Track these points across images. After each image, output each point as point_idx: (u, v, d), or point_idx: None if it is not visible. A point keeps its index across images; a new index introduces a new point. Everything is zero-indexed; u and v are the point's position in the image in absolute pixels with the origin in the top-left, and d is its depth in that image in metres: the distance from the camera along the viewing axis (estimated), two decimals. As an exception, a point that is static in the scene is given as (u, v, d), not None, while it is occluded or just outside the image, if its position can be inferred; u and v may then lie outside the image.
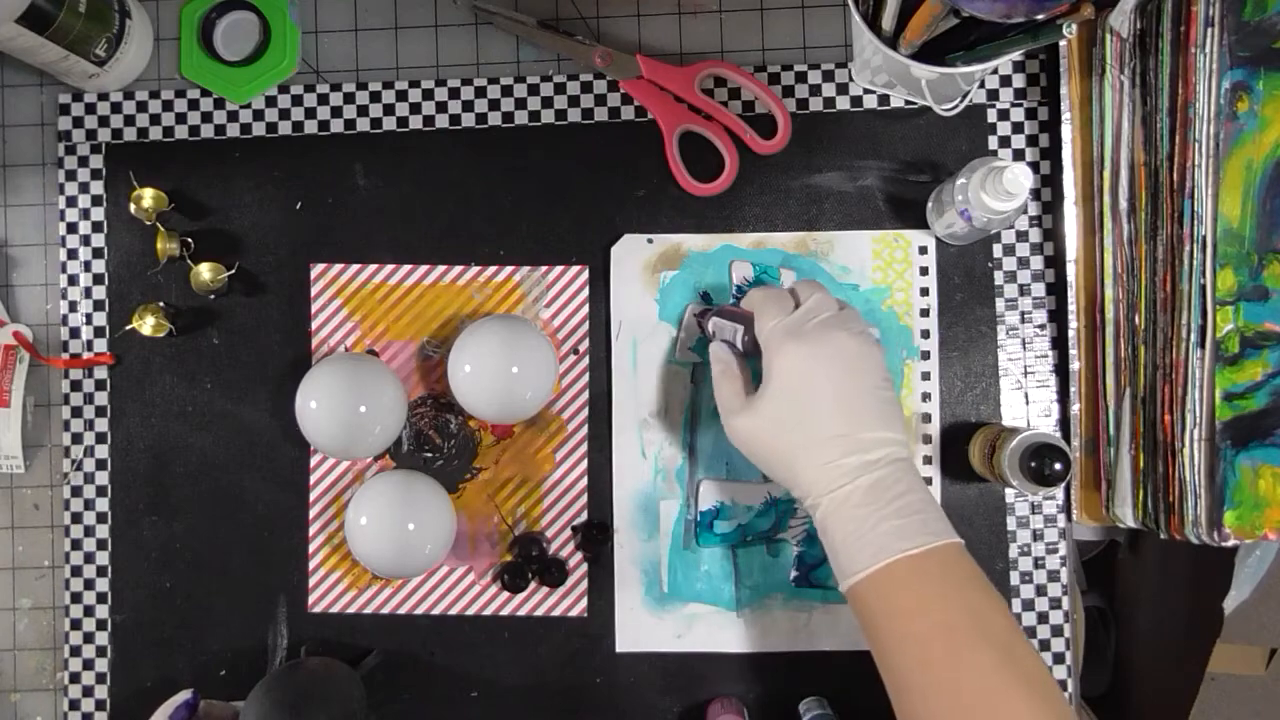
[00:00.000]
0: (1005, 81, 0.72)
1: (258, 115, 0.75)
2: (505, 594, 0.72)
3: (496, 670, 0.72)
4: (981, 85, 0.72)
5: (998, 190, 0.61)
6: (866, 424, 0.59)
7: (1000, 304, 0.72)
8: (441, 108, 0.74)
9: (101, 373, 0.74)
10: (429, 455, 0.73)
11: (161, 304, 0.73)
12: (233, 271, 0.73)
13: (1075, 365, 0.70)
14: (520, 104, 0.74)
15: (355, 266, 0.74)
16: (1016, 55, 0.64)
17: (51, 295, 0.75)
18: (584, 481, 0.72)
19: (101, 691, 0.73)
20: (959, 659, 0.55)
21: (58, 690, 0.74)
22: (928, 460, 0.71)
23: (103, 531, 0.74)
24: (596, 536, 0.72)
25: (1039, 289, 0.72)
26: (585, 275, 0.73)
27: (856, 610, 0.59)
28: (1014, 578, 0.71)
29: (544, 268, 0.73)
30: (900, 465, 0.59)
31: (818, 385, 0.60)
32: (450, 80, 0.74)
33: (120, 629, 0.73)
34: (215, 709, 0.65)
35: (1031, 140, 0.72)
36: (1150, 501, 0.67)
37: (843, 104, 0.73)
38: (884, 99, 0.73)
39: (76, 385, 0.75)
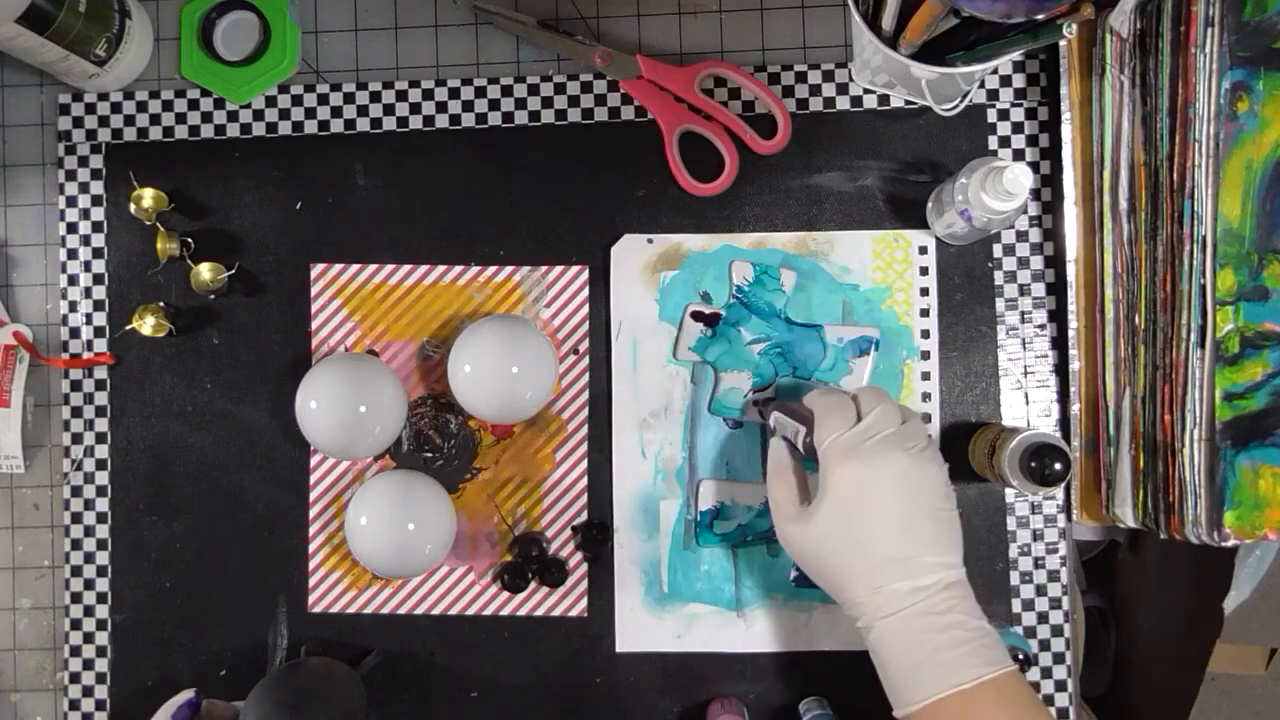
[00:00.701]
0: (1005, 81, 0.72)
1: (258, 115, 0.75)
2: (505, 594, 0.72)
3: (496, 670, 0.72)
4: (981, 85, 0.72)
5: (998, 190, 0.61)
6: (920, 549, 0.58)
7: (1000, 304, 0.72)
8: (441, 108, 0.74)
9: (101, 373, 0.74)
10: (429, 455, 0.73)
11: (161, 304, 0.73)
12: (233, 271, 0.73)
13: (1075, 365, 0.70)
14: (520, 104, 0.74)
15: (355, 266, 0.74)
16: (1016, 55, 0.64)
17: (51, 295, 0.75)
18: (584, 481, 0.72)
19: (101, 691, 0.73)
20: None
21: (58, 690, 0.74)
22: (928, 460, 0.71)
23: (103, 531, 0.74)
24: (596, 536, 0.72)
25: (1039, 289, 0.72)
26: (585, 275, 0.73)
27: None
28: (1014, 578, 0.71)
29: (544, 268, 0.73)
30: (954, 590, 0.58)
31: (872, 507, 0.59)
32: (450, 80, 0.74)
33: (120, 629, 0.73)
34: (217, 708, 0.65)
35: (1031, 140, 0.72)
36: (1150, 501, 0.67)
37: (843, 104, 0.73)
38: (884, 99, 0.73)
39: (76, 385, 0.75)
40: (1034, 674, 0.71)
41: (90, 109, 0.75)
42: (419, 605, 0.73)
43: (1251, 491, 0.64)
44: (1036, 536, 0.71)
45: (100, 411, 0.74)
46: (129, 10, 0.72)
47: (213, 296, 0.74)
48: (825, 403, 0.63)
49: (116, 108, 0.75)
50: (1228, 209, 0.63)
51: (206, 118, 0.75)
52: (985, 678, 0.56)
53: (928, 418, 0.71)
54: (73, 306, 0.75)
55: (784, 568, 0.71)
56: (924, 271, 0.72)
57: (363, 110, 0.74)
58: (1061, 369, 0.71)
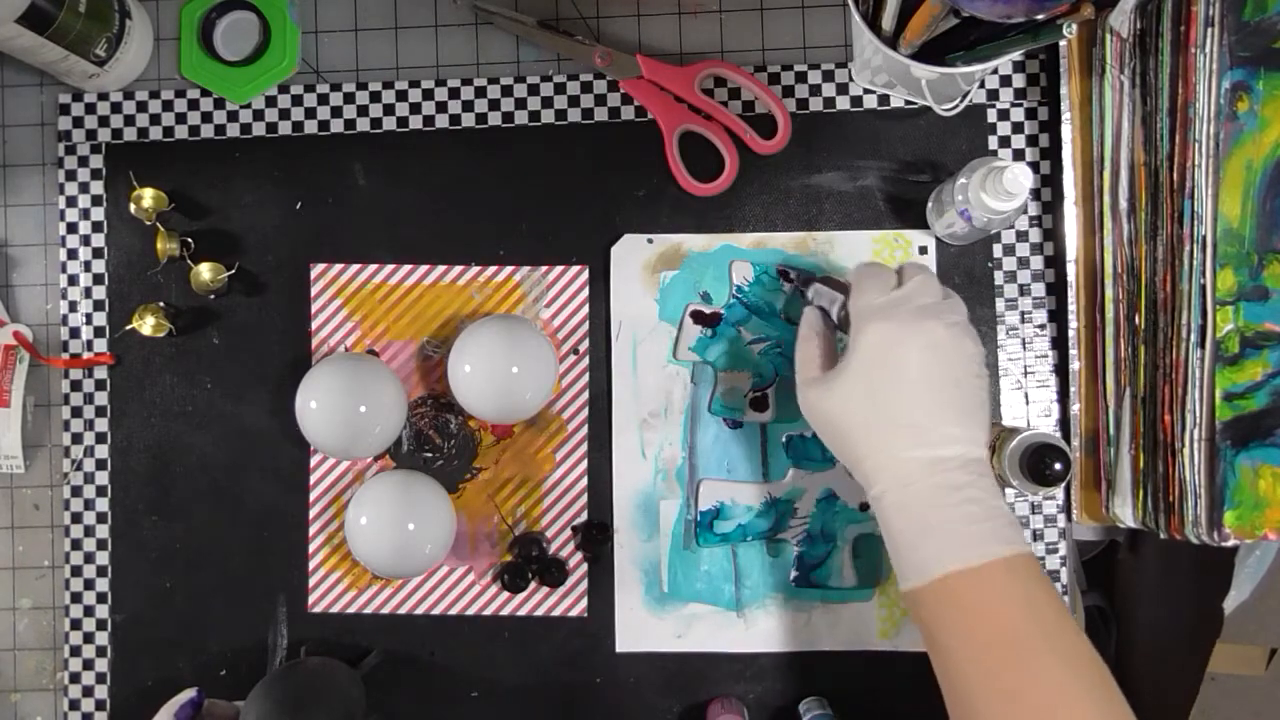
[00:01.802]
0: (1005, 81, 0.72)
1: (258, 115, 0.75)
2: (505, 594, 0.72)
3: (496, 670, 0.72)
4: (981, 85, 0.72)
5: (998, 190, 0.61)
6: (943, 418, 0.56)
7: (1000, 304, 0.72)
8: (441, 108, 0.74)
9: (101, 373, 0.74)
10: (429, 455, 0.73)
11: (161, 304, 0.73)
12: (233, 271, 0.73)
13: (1075, 365, 0.70)
14: (520, 104, 0.74)
15: (355, 266, 0.74)
16: (1016, 55, 0.64)
17: (51, 295, 0.75)
18: (584, 481, 0.72)
19: (101, 691, 0.73)
20: (1024, 669, 0.53)
21: (58, 690, 0.74)
22: (928, 460, 0.71)
23: (103, 531, 0.74)
24: (596, 536, 0.72)
25: (1039, 289, 0.72)
26: (585, 275, 0.73)
27: (914, 613, 0.57)
28: (1014, 578, 0.71)
29: (544, 268, 0.73)
30: (974, 467, 0.56)
31: (898, 370, 0.57)
32: (450, 80, 0.74)
33: (120, 629, 0.73)
34: (219, 708, 0.66)
35: (1031, 140, 0.72)
36: (1150, 501, 0.67)
37: (843, 104, 0.73)
38: (884, 99, 0.73)
39: (76, 385, 0.75)
40: (1034, 674, 0.71)
41: (90, 109, 0.75)
42: (419, 605, 0.73)
43: (1251, 491, 0.63)
44: (1036, 536, 0.71)
45: (100, 411, 0.74)
46: (129, 10, 0.72)
47: (213, 296, 0.74)
48: (867, 269, 0.62)
49: (116, 108, 0.75)
50: (1228, 209, 0.63)
51: (206, 118, 0.75)
52: (998, 556, 0.54)
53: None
54: (73, 306, 0.75)
55: (784, 568, 0.71)
56: (924, 271, 0.72)
57: (363, 110, 0.74)
58: (1061, 369, 0.71)
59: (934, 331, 0.57)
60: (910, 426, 0.57)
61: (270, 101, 0.75)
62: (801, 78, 0.73)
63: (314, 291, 0.74)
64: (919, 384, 0.57)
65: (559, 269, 0.73)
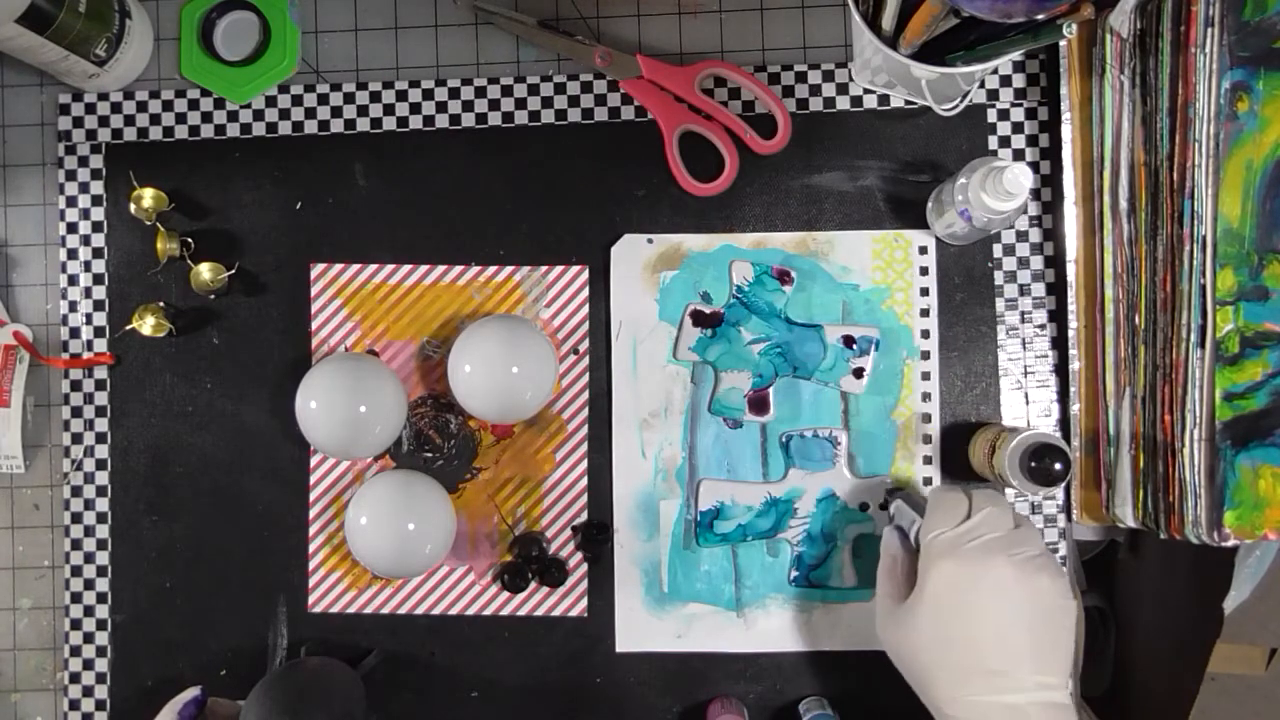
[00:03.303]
0: (1005, 81, 0.72)
1: (258, 115, 0.75)
2: (505, 594, 0.72)
3: (496, 670, 0.72)
4: (981, 85, 0.72)
5: (998, 190, 0.61)
6: (1017, 663, 0.55)
7: (1000, 304, 0.72)
8: (441, 108, 0.74)
9: (101, 373, 0.74)
10: (429, 455, 0.73)
11: (161, 304, 0.73)
12: (233, 271, 0.73)
13: (1075, 365, 0.70)
14: (520, 104, 0.74)
15: (355, 266, 0.74)
16: (1016, 55, 0.64)
17: (51, 295, 0.75)
18: (584, 481, 0.72)
19: (101, 691, 0.73)
20: None
21: (58, 690, 0.74)
22: (928, 460, 0.71)
23: (103, 531, 0.74)
24: (596, 536, 0.72)
25: (1039, 289, 0.72)
26: (585, 275, 0.73)
27: None
28: (1014, 578, 0.71)
29: (544, 268, 0.73)
30: (1052, 712, 0.55)
31: (967, 613, 0.56)
32: (450, 80, 0.74)
33: (120, 629, 0.73)
34: (222, 706, 0.66)
35: (1031, 140, 0.72)
36: (1150, 501, 0.67)
37: (843, 104, 0.73)
38: (884, 99, 0.73)
39: (76, 385, 0.75)
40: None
41: (90, 109, 0.75)
42: (419, 605, 0.73)
43: (1251, 491, 0.63)
44: (1036, 536, 0.71)
45: (100, 411, 0.74)
46: (129, 10, 0.72)
47: (213, 296, 0.74)
48: (938, 497, 0.61)
49: (116, 108, 0.75)
50: (1228, 209, 0.63)
51: (206, 118, 0.75)
52: None
53: (928, 418, 0.71)
54: (73, 306, 0.75)
55: (784, 567, 0.71)
56: (924, 271, 0.72)
57: (363, 110, 0.74)
58: (1061, 369, 0.71)
59: (1001, 571, 0.56)
60: (980, 671, 0.55)
61: (270, 101, 0.75)
62: (801, 78, 0.73)
63: (314, 291, 0.74)
64: (988, 628, 0.56)
65: (559, 269, 0.73)
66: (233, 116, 0.75)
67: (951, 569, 0.57)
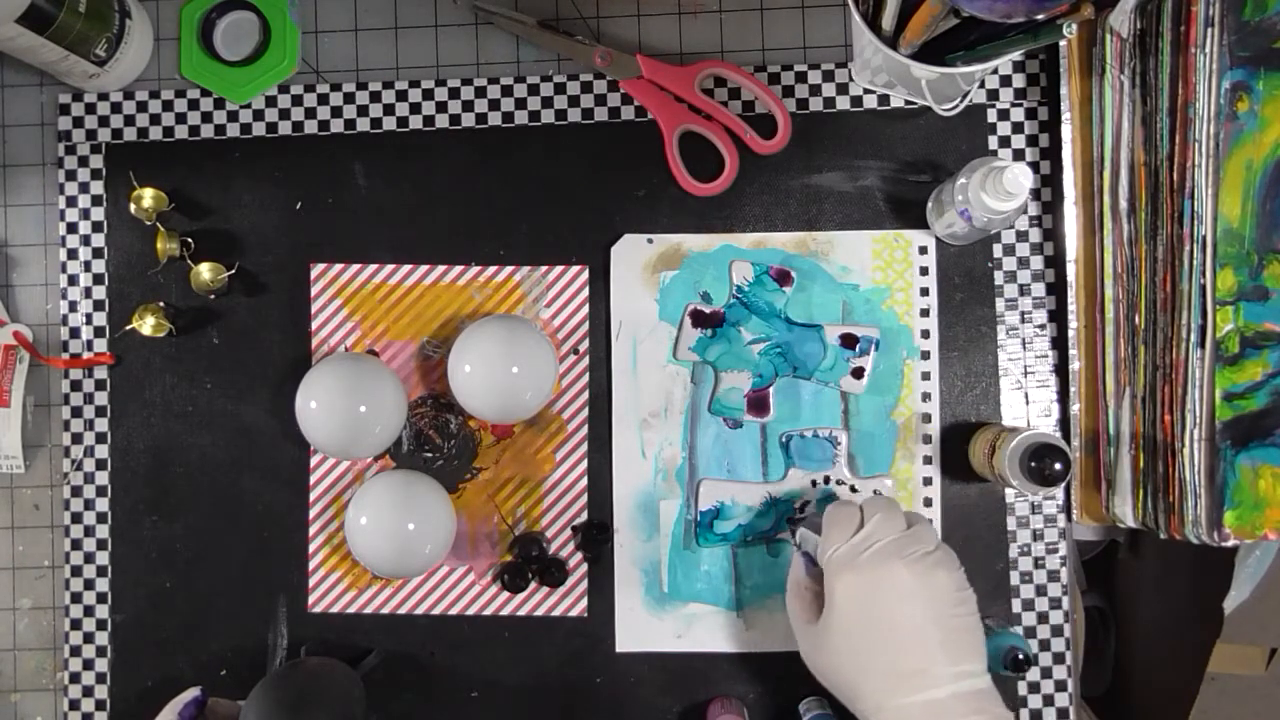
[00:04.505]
0: (1005, 81, 0.72)
1: (258, 115, 0.75)
2: (505, 594, 0.72)
3: (496, 670, 0.72)
4: (981, 85, 0.72)
5: (998, 190, 0.61)
6: (929, 660, 0.56)
7: (1000, 304, 0.72)
8: (441, 108, 0.74)
9: (101, 373, 0.74)
10: (429, 455, 0.73)
11: (161, 304, 0.73)
12: (233, 271, 0.73)
13: (1075, 365, 0.70)
14: (520, 104, 0.74)
15: (355, 266, 0.74)
16: (1016, 55, 0.64)
17: (51, 295, 0.75)
18: (584, 481, 0.72)
19: (101, 691, 0.73)
20: None
21: (58, 690, 0.74)
22: (928, 460, 0.71)
23: (103, 531, 0.74)
24: (596, 536, 0.72)
25: (1039, 289, 0.72)
26: (585, 275, 0.73)
27: None
28: (1014, 578, 0.71)
29: (544, 268, 0.73)
30: (972, 700, 0.56)
31: (872, 622, 0.58)
32: (450, 80, 0.74)
33: (120, 629, 0.73)
34: (222, 706, 0.66)
35: (1031, 140, 0.72)
36: (1150, 501, 0.67)
37: (843, 104, 0.73)
38: (884, 99, 0.73)
39: (76, 385, 0.75)
40: (1034, 674, 0.71)
41: (90, 109, 0.75)
42: (419, 605, 0.73)
43: (1251, 491, 0.64)
44: (1036, 536, 0.71)
45: (100, 411, 0.74)
46: (129, 10, 0.72)
47: (213, 296, 0.74)
48: (831, 515, 0.62)
49: (116, 108, 0.75)
50: (1228, 209, 0.63)
51: (206, 118, 0.75)
52: None
53: (928, 418, 0.71)
54: (73, 306, 0.75)
55: (784, 568, 0.71)
56: (924, 271, 0.72)
57: (363, 110, 0.74)
58: (1061, 369, 0.71)
59: (898, 574, 0.58)
60: (901, 675, 0.57)
61: (270, 101, 0.75)
62: (801, 78, 0.73)
63: (314, 291, 0.74)
64: (897, 631, 0.57)
65: (559, 269, 0.73)
66: (233, 116, 0.75)
67: (851, 581, 0.59)
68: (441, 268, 0.73)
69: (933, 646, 0.57)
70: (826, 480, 0.71)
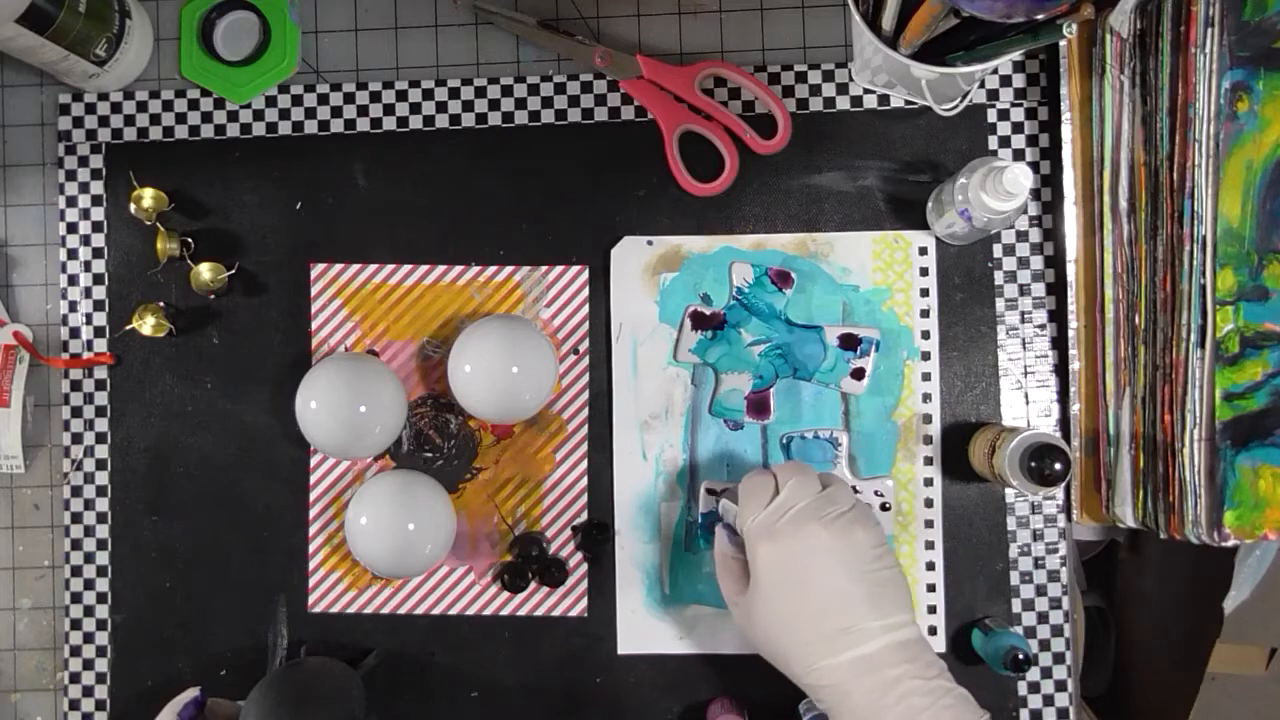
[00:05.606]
0: (1005, 81, 0.72)
1: (258, 115, 0.75)
2: (505, 594, 0.72)
3: (496, 670, 0.72)
4: (981, 85, 0.72)
5: (998, 190, 0.61)
6: (856, 615, 0.57)
7: (1000, 304, 0.72)
8: (441, 108, 0.74)
9: (101, 373, 0.74)
10: (429, 455, 0.73)
11: (161, 304, 0.73)
12: (233, 271, 0.73)
13: (1075, 365, 0.70)
14: (520, 104, 0.74)
15: (355, 266, 0.74)
16: (1016, 55, 0.64)
17: (51, 295, 0.75)
18: (584, 481, 0.72)
19: (101, 691, 0.73)
20: None
21: (58, 690, 0.74)
22: (929, 461, 0.71)
23: (103, 531, 0.74)
24: (596, 536, 0.72)
25: (1039, 289, 0.72)
26: (585, 275, 0.73)
27: None
28: (1014, 578, 0.71)
29: (544, 268, 0.73)
30: (903, 651, 0.56)
31: (795, 585, 0.58)
32: (450, 80, 0.74)
33: (120, 629, 0.73)
34: (222, 707, 0.66)
35: (1031, 140, 0.72)
36: (1150, 501, 0.67)
37: (843, 104, 0.73)
38: (884, 99, 0.73)
39: (76, 385, 0.75)
40: (1034, 674, 0.71)
41: (90, 109, 0.75)
42: (419, 605, 0.73)
43: (1251, 491, 0.64)
44: (1036, 536, 0.71)
45: (100, 411, 0.74)
46: (129, 10, 0.72)
47: (213, 296, 0.74)
48: (746, 485, 0.62)
49: (116, 108, 0.75)
50: (1228, 209, 0.63)
51: (206, 118, 0.75)
52: None
53: (928, 418, 0.71)
54: (73, 306, 0.75)
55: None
56: (924, 272, 0.72)
57: (363, 110, 0.74)
58: (1061, 369, 0.71)
59: (816, 536, 0.58)
60: (830, 635, 0.57)
61: (270, 101, 0.75)
62: (801, 78, 0.73)
63: (314, 291, 0.74)
64: (820, 593, 0.58)
65: (559, 269, 0.73)
66: (233, 116, 0.75)
67: (771, 548, 0.59)
68: (441, 268, 0.73)
69: (857, 603, 0.57)
70: None
